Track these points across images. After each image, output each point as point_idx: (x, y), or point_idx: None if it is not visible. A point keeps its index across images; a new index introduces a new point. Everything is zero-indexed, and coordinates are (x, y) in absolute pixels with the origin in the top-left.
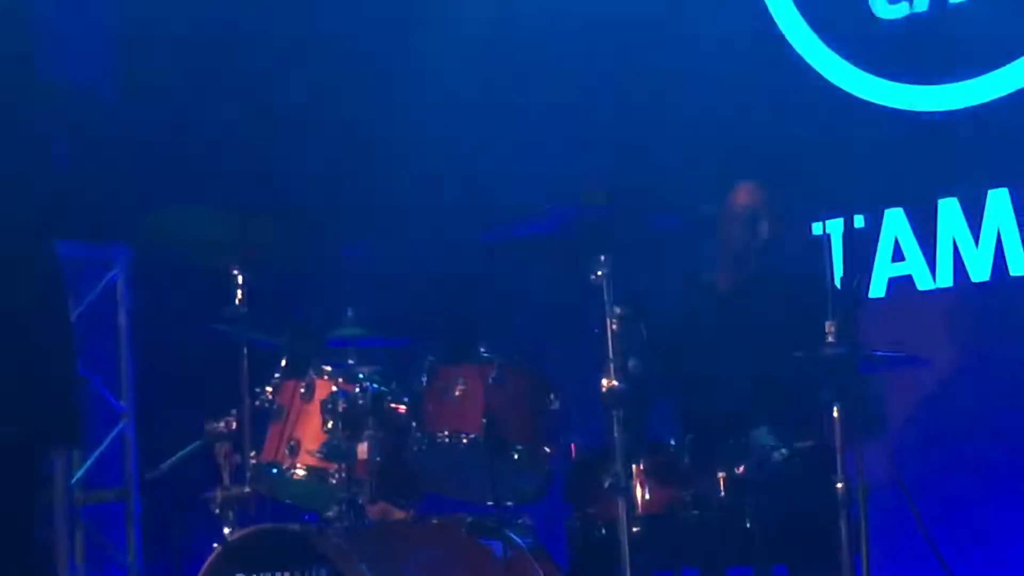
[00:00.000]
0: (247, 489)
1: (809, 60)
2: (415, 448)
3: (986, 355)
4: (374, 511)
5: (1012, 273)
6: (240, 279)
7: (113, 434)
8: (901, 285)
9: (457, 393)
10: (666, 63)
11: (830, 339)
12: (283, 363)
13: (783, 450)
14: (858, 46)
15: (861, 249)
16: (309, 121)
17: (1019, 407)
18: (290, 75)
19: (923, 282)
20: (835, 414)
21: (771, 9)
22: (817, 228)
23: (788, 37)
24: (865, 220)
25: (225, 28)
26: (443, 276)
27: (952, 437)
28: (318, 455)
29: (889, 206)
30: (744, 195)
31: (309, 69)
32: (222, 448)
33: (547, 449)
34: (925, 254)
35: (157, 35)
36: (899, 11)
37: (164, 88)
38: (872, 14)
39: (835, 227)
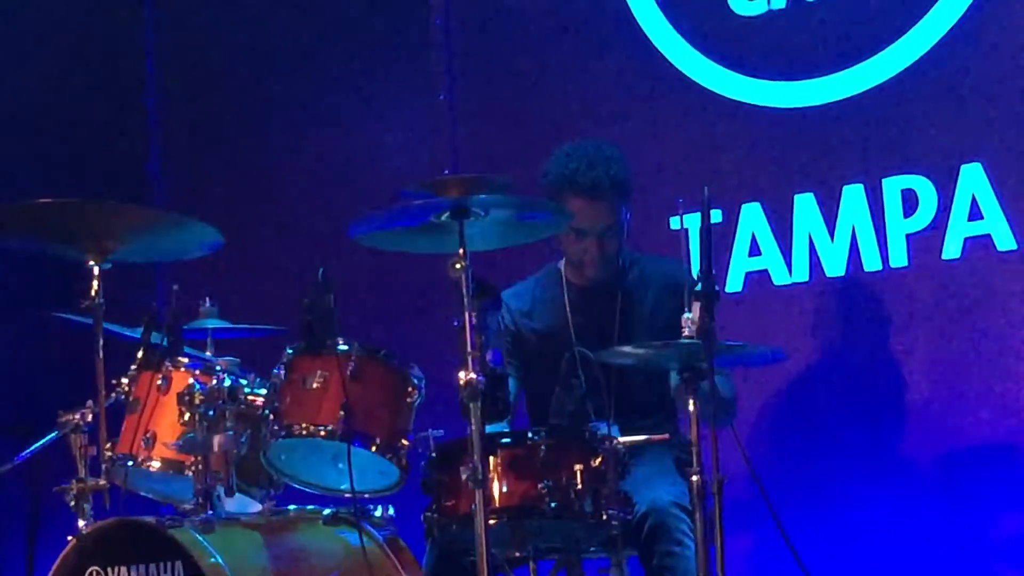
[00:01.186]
0: (102, 481)
1: (668, 55)
2: (272, 440)
3: (841, 349)
4: (230, 503)
5: (866, 268)
6: (95, 270)
7: None
8: (757, 279)
9: (315, 385)
10: (526, 52)
11: (686, 332)
12: (139, 355)
13: (639, 442)
14: (716, 41)
15: (718, 243)
16: (163, 110)
17: (873, 400)
18: (142, 70)
19: (779, 276)
20: (690, 407)
21: (630, 4)
22: (675, 223)
23: (647, 31)
24: (722, 215)
25: (79, 24)
26: (301, 267)
27: (807, 430)
28: (175, 447)
29: (746, 201)
30: (583, 209)
31: (162, 65)
32: (77, 440)
33: (405, 441)
34: (781, 249)
35: (10, 27)
36: (757, 7)
37: (17, 80)
38: (730, 10)
39: (692, 222)
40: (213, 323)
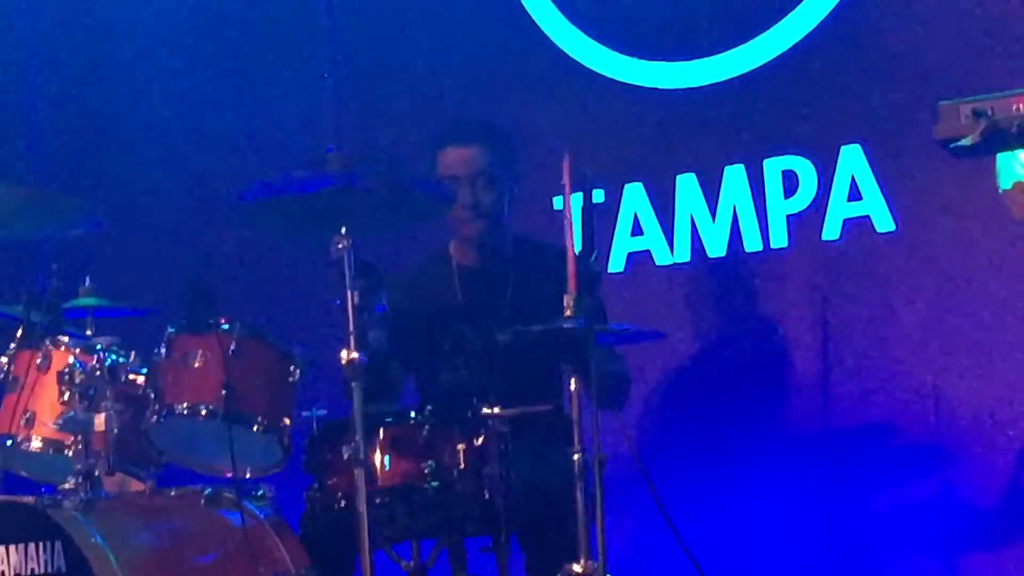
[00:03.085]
0: None
1: (550, 35)
2: (153, 419)
3: (722, 328)
4: (111, 483)
5: (747, 249)
6: None
7: None
8: (640, 259)
9: (196, 364)
10: (409, 31)
11: (568, 312)
12: (19, 333)
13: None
14: (599, 22)
15: (600, 223)
16: (40, 86)
17: (754, 379)
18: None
19: (661, 257)
20: (572, 386)
21: None
22: (558, 203)
23: (530, 11)
24: (605, 195)
25: None
26: (182, 245)
27: (688, 410)
28: (54, 426)
29: (628, 181)
30: (453, 157)
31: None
32: None
33: (287, 420)
34: (663, 229)
35: None
36: None
37: None
38: None
39: (575, 201)
40: (93, 302)
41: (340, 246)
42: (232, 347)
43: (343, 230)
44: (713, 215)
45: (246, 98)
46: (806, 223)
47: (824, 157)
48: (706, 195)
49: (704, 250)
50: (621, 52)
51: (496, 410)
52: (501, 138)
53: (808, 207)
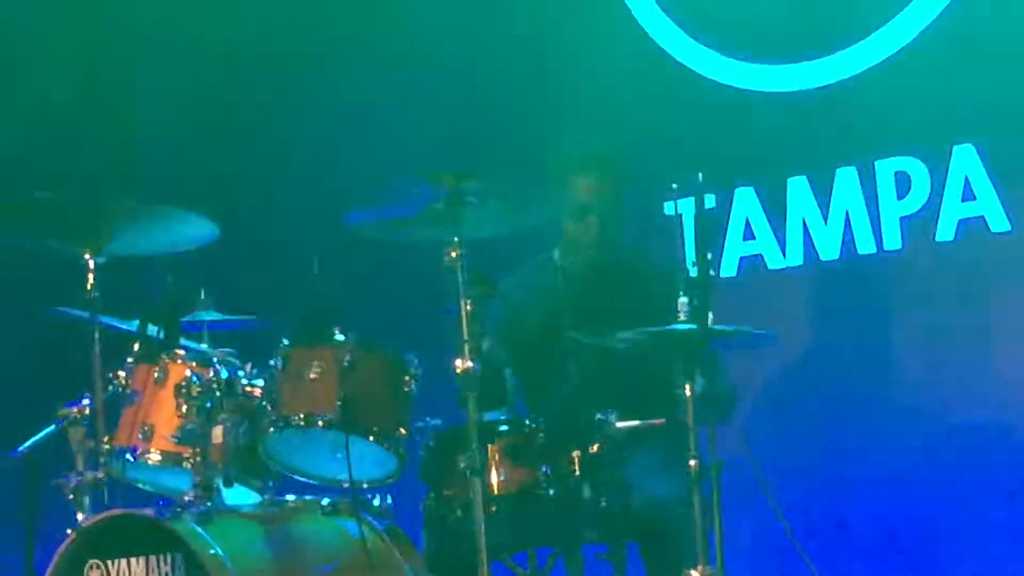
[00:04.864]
0: (101, 474)
1: (659, 41)
2: (270, 431)
3: (835, 332)
4: (230, 495)
5: (860, 251)
6: (91, 264)
7: None
8: (752, 263)
9: (312, 376)
10: (517, 41)
11: (681, 317)
12: (136, 347)
13: (635, 428)
14: (709, 26)
15: (712, 228)
16: (155, 101)
17: (867, 382)
18: (132, 62)
19: (773, 260)
20: (687, 392)
21: None
22: (669, 208)
23: (639, 18)
24: (716, 199)
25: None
26: (297, 257)
27: (803, 413)
28: (173, 439)
29: (740, 185)
30: (579, 184)
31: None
32: (75, 433)
33: (403, 431)
34: (775, 232)
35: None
36: None
37: (6, 74)
38: None
39: (686, 207)
40: (209, 315)
41: (453, 255)
42: (347, 358)
43: (455, 239)
44: (825, 218)
45: (357, 109)
46: (919, 224)
47: (937, 157)
48: (818, 198)
49: (817, 253)
50: (731, 56)
51: (611, 422)
52: (627, 166)
53: (921, 208)
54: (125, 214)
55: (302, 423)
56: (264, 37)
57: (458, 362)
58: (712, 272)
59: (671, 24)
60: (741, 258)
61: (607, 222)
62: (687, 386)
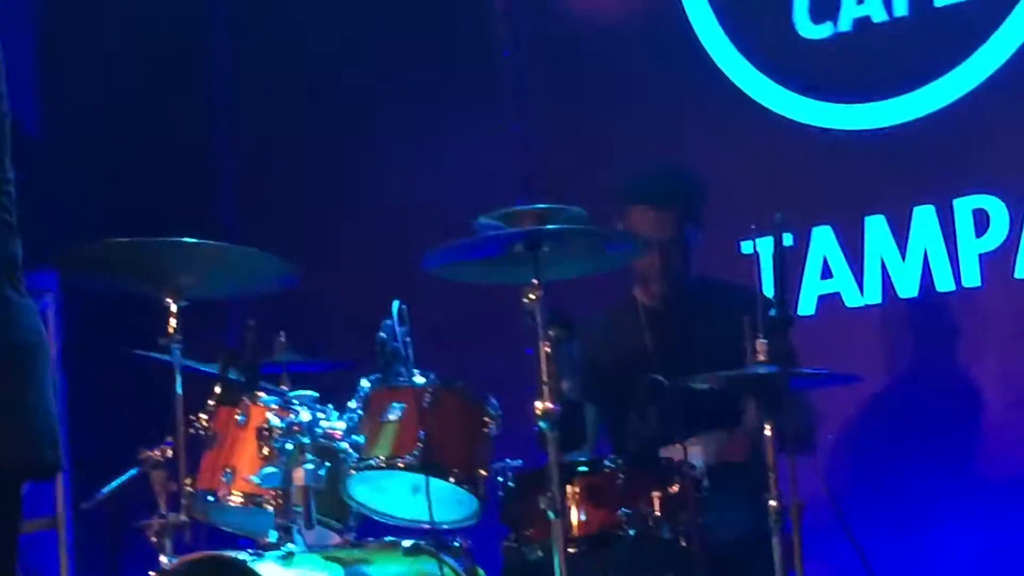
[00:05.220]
0: (183, 517)
1: (736, 80)
2: (351, 473)
3: (914, 370)
4: (311, 536)
5: (938, 289)
6: (172, 307)
7: None
8: (830, 302)
9: (392, 417)
10: (594, 80)
11: (760, 357)
12: (217, 390)
13: (714, 468)
14: (783, 64)
15: (789, 267)
16: (233, 145)
17: (947, 421)
18: (210, 105)
19: (851, 299)
20: (766, 432)
21: (696, 29)
22: (746, 247)
23: (714, 57)
24: (793, 238)
25: (155, 64)
26: (375, 300)
27: (883, 453)
28: (254, 481)
29: (816, 224)
30: (647, 217)
31: (231, 100)
32: (157, 476)
33: (483, 472)
34: (853, 271)
35: (83, 68)
36: (823, 31)
37: (87, 118)
38: (796, 33)
39: (764, 245)
40: (288, 357)
41: (532, 296)
42: (427, 399)
43: (535, 281)
44: (903, 255)
45: (434, 149)
46: (999, 262)
47: (1015, 195)
48: (895, 236)
49: (895, 291)
50: (806, 94)
51: (692, 459)
52: (696, 199)
53: (1000, 245)
54: (206, 258)
55: (383, 464)
56: (338, 76)
57: (538, 403)
58: (790, 311)
59: (746, 63)
60: (819, 297)
61: (671, 256)
62: (767, 426)
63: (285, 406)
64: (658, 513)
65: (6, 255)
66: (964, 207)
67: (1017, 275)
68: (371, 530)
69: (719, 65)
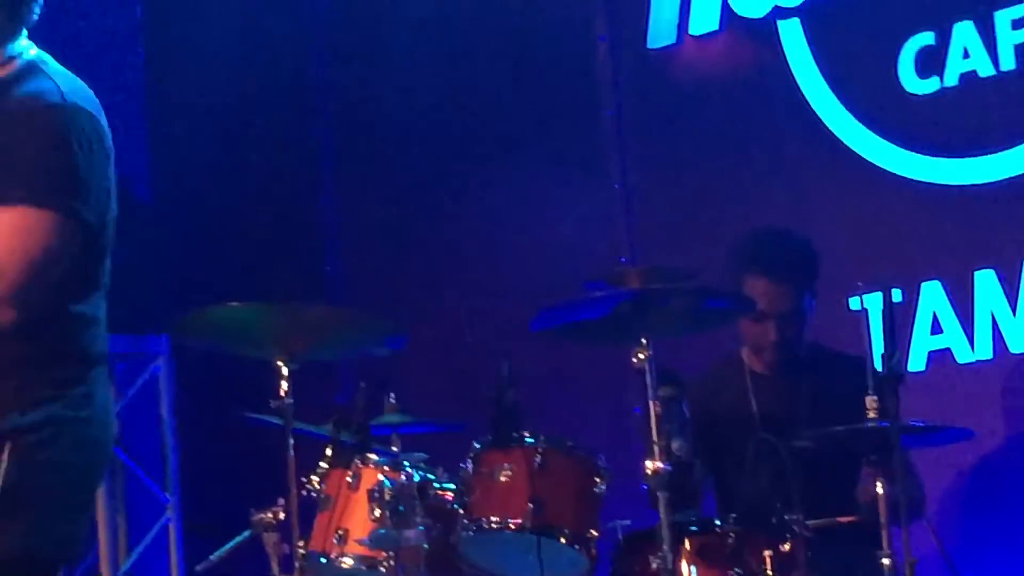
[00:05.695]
0: None
1: (842, 136)
2: (463, 534)
3: None
4: None
5: None
6: (284, 370)
7: (158, 526)
8: (940, 358)
9: (503, 478)
10: (698, 138)
11: (871, 414)
12: (328, 452)
13: (827, 526)
14: (890, 121)
15: (899, 323)
16: (340, 208)
17: None
18: (317, 168)
19: (962, 354)
20: (879, 489)
21: (801, 86)
22: (854, 303)
23: (819, 113)
24: (902, 294)
25: (260, 128)
26: (483, 360)
27: (996, 509)
28: (366, 544)
29: (926, 279)
30: (764, 289)
31: (338, 162)
32: (270, 538)
33: (594, 532)
34: (963, 326)
35: (190, 131)
36: (930, 86)
37: (195, 182)
38: (903, 88)
39: (873, 302)
40: (398, 419)
41: (641, 356)
42: (537, 460)
43: (642, 340)
44: (1014, 310)
45: (540, 209)
46: None
47: None
48: (1006, 290)
49: (1006, 346)
50: (912, 150)
51: (804, 521)
52: (813, 270)
53: None
54: (317, 320)
55: (494, 525)
56: (443, 138)
57: (648, 463)
58: (900, 368)
59: (852, 119)
60: (929, 353)
61: (786, 325)
62: (878, 484)
63: (396, 468)
64: (770, 572)
65: (102, 352)
66: None
67: None
68: None
69: (824, 121)
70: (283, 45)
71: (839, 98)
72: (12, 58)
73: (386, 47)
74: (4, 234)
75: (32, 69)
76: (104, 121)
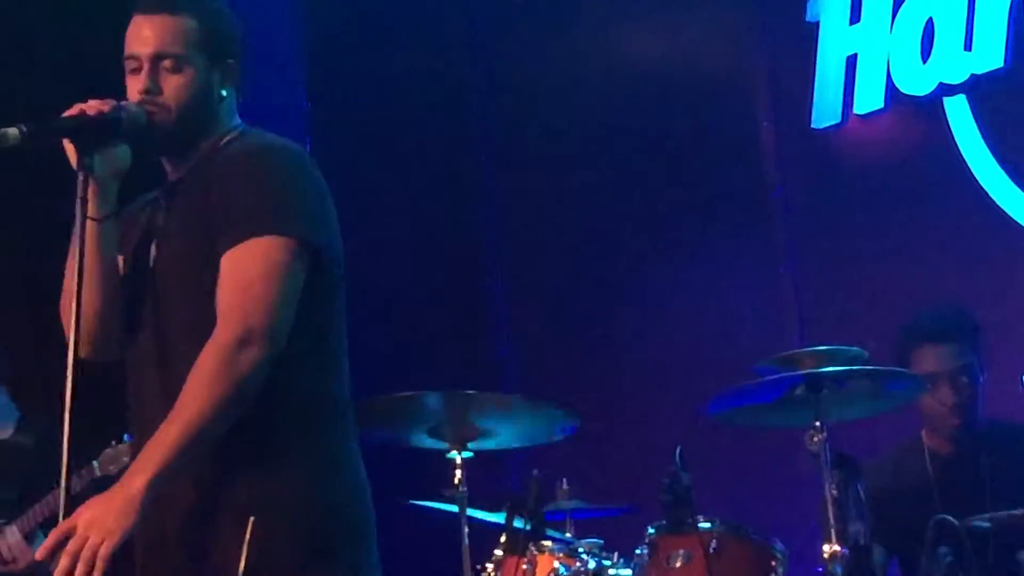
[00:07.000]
0: None
1: (1011, 212)
2: None
3: None
4: None
5: None
6: (458, 459)
7: None
8: None
9: (678, 564)
10: (866, 216)
11: None
12: (503, 539)
13: None
14: None
15: None
16: (511, 294)
17: None
18: (484, 253)
19: None
20: None
21: (968, 160)
22: None
23: (988, 190)
24: None
25: (428, 214)
26: (655, 445)
27: None
28: None
29: None
30: (933, 355)
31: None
32: None
33: None
34: None
35: (359, 212)
36: None
37: (363, 264)
38: None
39: None
40: (572, 504)
41: (815, 440)
42: (713, 545)
43: (817, 423)
44: None
45: (708, 292)
46: None
47: None
48: None
49: None
50: None
51: None
52: (975, 331)
53: None
54: (490, 408)
55: None
56: (609, 223)
57: (825, 546)
58: None
59: (1021, 194)
60: None
61: (960, 387)
62: None
63: (571, 554)
64: None
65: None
66: None
67: None
68: None
69: (993, 197)
70: (447, 129)
71: (1008, 174)
72: (237, 126)
73: (552, 132)
74: (250, 264)
75: (250, 130)
76: None
